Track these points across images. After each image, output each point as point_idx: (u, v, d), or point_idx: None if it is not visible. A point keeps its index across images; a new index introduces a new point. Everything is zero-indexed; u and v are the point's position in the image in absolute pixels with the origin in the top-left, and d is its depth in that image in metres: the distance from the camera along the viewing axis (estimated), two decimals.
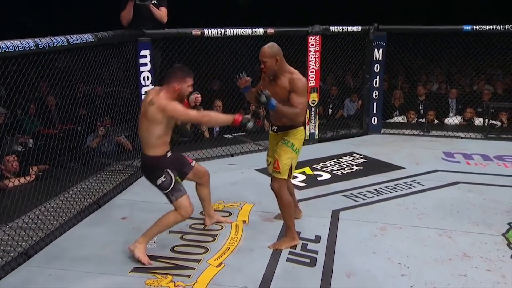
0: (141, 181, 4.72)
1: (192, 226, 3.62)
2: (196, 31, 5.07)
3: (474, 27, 6.07)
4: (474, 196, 4.27)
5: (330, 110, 7.37)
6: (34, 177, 4.35)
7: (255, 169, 4.98)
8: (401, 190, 4.41)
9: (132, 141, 5.16)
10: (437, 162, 5.26)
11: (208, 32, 5.13)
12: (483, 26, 6.05)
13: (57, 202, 3.91)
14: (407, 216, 3.83)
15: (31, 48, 3.03)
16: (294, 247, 3.30)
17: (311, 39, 5.83)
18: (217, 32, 5.18)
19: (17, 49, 2.89)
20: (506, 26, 5.99)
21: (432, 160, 5.31)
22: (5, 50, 2.79)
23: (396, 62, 7.11)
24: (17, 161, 4.30)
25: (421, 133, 6.50)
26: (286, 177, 3.29)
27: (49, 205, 3.83)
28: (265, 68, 3.19)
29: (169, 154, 3.14)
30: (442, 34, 6.52)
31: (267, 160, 3.54)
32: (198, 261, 3.12)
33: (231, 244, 3.37)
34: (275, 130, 3.39)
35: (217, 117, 3.22)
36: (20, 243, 3.22)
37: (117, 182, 4.49)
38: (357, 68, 6.78)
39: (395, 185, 4.54)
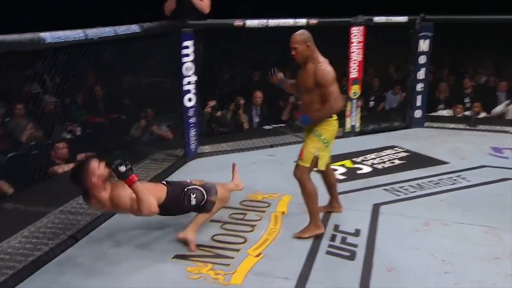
0: (183, 169, 4.82)
1: (231, 216, 3.66)
2: (238, 22, 5.08)
3: None
4: None
5: (372, 103, 7.23)
6: None
7: (295, 161, 4.95)
8: (445, 185, 4.29)
9: (174, 130, 5.24)
10: (484, 158, 5.06)
11: (250, 23, 5.12)
12: None
13: None
14: (452, 212, 3.72)
15: (81, 39, 3.13)
16: (320, 235, 3.28)
17: (354, 30, 5.72)
18: (259, 23, 5.17)
19: (68, 40, 2.99)
20: None
21: (478, 155, 5.12)
22: (56, 41, 2.90)
23: (442, 54, 6.88)
24: (66, 148, 4.47)
25: (467, 127, 6.28)
26: (308, 165, 3.28)
27: None
28: (296, 54, 3.19)
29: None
30: (494, 24, 6.25)
31: None
32: (237, 250, 3.15)
33: (270, 235, 3.38)
34: None
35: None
36: (69, 227, 3.35)
37: (160, 171, 4.58)
38: (401, 59, 6.61)
39: (439, 180, 4.41)
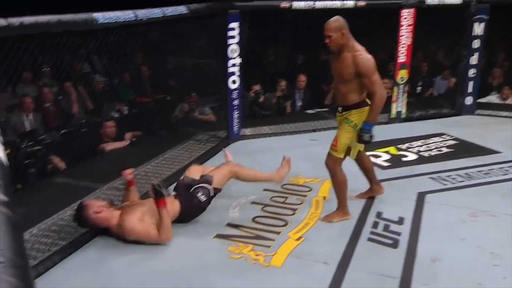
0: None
1: (273, 198, 3.68)
2: (284, 4, 5.02)
3: None
4: None
5: (419, 88, 6.99)
6: (128, 142, 4.64)
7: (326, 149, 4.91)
8: (496, 175, 4.13)
9: (217, 112, 5.28)
10: None
11: (297, 4, 5.05)
12: None
13: (148, 167, 4.15)
14: (502, 204, 3.58)
15: (131, 19, 3.19)
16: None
17: (404, 12, 5.53)
18: (306, 5, 5.09)
19: (118, 20, 3.05)
20: None
21: None
22: (108, 21, 2.97)
23: (498, 37, 6.53)
24: (114, 127, 4.60)
25: None
26: (341, 156, 3.25)
27: (141, 170, 4.07)
28: (330, 42, 3.09)
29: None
30: None
31: None
32: (278, 233, 3.17)
33: (311, 219, 3.38)
34: (340, 110, 3.28)
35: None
36: (116, 203, 3.46)
37: (202, 152, 4.65)
38: (451, 43, 6.35)
39: (489, 170, 4.25)
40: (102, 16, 2.93)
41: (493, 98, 6.57)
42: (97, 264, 2.84)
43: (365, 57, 3.09)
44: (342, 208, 3.34)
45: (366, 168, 3.58)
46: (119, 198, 3.53)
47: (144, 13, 3.33)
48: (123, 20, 3.09)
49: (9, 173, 0.66)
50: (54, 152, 3.99)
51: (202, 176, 3.38)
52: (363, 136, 3.15)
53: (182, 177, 3.46)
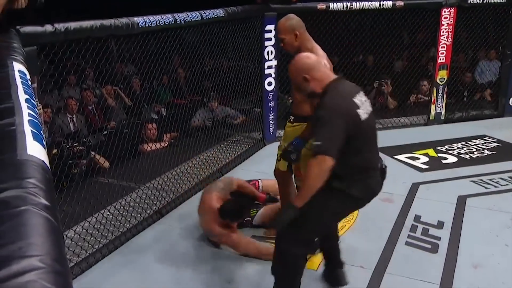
0: (261, 152, 4.85)
1: None
2: (321, 5, 4.97)
3: None
4: None
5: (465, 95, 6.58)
6: (167, 143, 4.70)
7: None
8: None
9: (247, 114, 5.24)
10: None
11: (334, 5, 4.99)
12: None
13: (186, 167, 4.19)
14: None
15: (170, 23, 3.22)
16: None
17: (444, 11, 5.36)
18: (343, 6, 5.01)
19: (158, 24, 3.10)
20: None
21: None
22: (148, 25, 3.01)
23: None
24: (155, 129, 4.68)
25: None
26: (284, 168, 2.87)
27: (179, 170, 4.12)
28: (284, 46, 2.67)
29: None
30: None
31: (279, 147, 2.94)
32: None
33: (347, 222, 3.31)
34: (291, 119, 2.83)
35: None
36: (155, 202, 3.53)
37: (239, 153, 4.66)
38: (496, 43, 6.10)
39: None
40: (142, 20, 2.98)
41: None
42: (134, 262, 2.89)
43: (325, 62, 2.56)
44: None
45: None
46: (158, 198, 3.58)
47: (182, 17, 3.37)
48: (162, 23, 3.13)
49: (51, 178, 0.67)
50: (98, 152, 4.09)
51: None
52: (291, 154, 2.53)
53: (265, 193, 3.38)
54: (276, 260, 2.27)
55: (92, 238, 2.97)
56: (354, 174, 2.14)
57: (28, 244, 0.48)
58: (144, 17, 3.02)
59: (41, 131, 0.90)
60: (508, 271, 2.71)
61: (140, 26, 2.94)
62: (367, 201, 2.28)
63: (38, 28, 2.31)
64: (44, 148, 0.82)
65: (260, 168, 4.29)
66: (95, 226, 3.05)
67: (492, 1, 5.49)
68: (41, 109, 2.30)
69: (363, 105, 2.11)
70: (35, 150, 0.76)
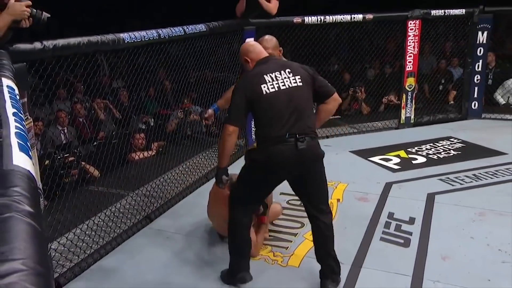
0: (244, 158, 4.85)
1: (289, 202, 3.65)
2: (297, 19, 5.02)
3: None
4: None
5: (441, 87, 6.58)
6: (155, 152, 4.67)
7: (350, 151, 4.87)
8: (503, 176, 4.02)
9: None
10: None
11: (309, 19, 5.04)
12: None
13: (173, 174, 4.16)
14: (509, 203, 3.48)
15: (155, 38, 3.22)
16: None
17: (410, 23, 5.47)
18: (317, 19, 5.07)
19: (143, 39, 3.09)
20: None
21: None
22: (134, 40, 3.00)
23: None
24: (143, 139, 4.65)
25: None
26: None
27: (166, 177, 4.10)
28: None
29: None
30: None
31: None
32: (295, 234, 3.14)
33: None
34: None
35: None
36: (144, 208, 3.49)
37: None
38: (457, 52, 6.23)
39: (496, 171, 4.15)
40: (128, 36, 2.97)
41: (498, 97, 6.39)
42: (125, 265, 2.85)
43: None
44: None
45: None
46: (147, 204, 3.55)
47: (166, 32, 3.36)
48: (147, 39, 3.13)
49: (36, 187, 0.67)
50: (88, 162, 4.05)
51: None
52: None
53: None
54: (228, 232, 2.58)
55: (84, 244, 2.93)
56: (262, 142, 2.35)
57: (11, 248, 0.48)
58: (130, 33, 3.01)
59: (28, 143, 0.89)
60: (474, 261, 2.75)
61: (125, 42, 2.93)
62: (279, 169, 2.34)
63: (27, 46, 2.28)
64: (30, 158, 0.81)
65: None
66: (87, 232, 3.01)
67: (453, 14, 5.63)
68: (31, 122, 2.27)
69: (274, 81, 2.32)
70: (21, 160, 0.76)
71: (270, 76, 2.32)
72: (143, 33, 3.10)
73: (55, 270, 2.61)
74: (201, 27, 3.85)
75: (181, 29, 3.55)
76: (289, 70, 2.37)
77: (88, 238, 2.99)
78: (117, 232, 3.14)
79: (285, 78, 2.34)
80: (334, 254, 2.51)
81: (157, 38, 3.24)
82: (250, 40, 2.57)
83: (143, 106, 5.37)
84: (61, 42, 2.45)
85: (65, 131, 4.94)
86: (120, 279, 2.72)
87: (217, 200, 2.93)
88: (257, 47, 2.51)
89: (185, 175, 4.17)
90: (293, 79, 2.35)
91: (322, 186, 2.45)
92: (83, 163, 4.08)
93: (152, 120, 5.48)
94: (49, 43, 2.38)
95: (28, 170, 0.73)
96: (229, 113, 2.35)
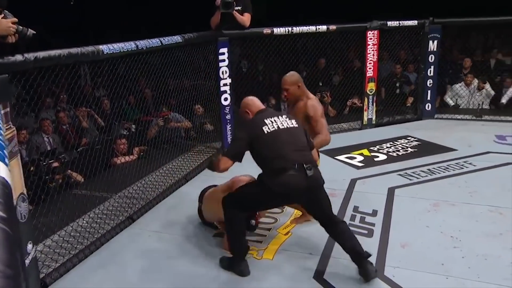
0: None
1: None
2: (266, 30, 5.04)
3: None
4: None
5: (398, 90, 6.77)
6: (136, 156, 4.60)
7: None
8: (454, 170, 4.15)
9: (214, 125, 5.24)
10: (489, 145, 4.86)
11: (277, 30, 5.08)
12: None
13: (154, 177, 4.11)
14: (459, 194, 3.59)
15: (133, 49, 3.17)
16: None
17: (369, 33, 5.58)
18: (285, 30, 5.11)
19: (121, 50, 3.04)
20: None
21: (484, 143, 4.92)
22: (113, 51, 2.95)
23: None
24: (125, 144, 4.57)
25: (474, 117, 6.04)
26: None
27: (148, 179, 4.05)
28: (288, 95, 3.08)
29: None
30: (496, 25, 5.97)
31: None
32: (269, 229, 3.14)
33: (296, 216, 3.36)
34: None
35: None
36: (126, 209, 3.44)
37: (201, 161, 4.62)
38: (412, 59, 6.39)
39: (447, 165, 4.27)
40: (107, 47, 2.92)
41: (457, 86, 6.57)
42: (109, 264, 2.80)
43: (315, 104, 3.06)
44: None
45: None
46: (129, 205, 3.50)
47: (144, 43, 3.32)
48: (125, 50, 3.08)
49: (10, 192, 0.65)
50: (72, 167, 3.95)
51: None
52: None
53: None
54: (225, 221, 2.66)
55: (69, 245, 2.86)
56: (273, 174, 2.45)
57: None
58: (108, 45, 2.95)
59: (4, 151, 0.86)
60: (429, 248, 2.82)
61: (104, 53, 2.87)
62: (294, 195, 2.52)
63: (9, 58, 2.21)
64: (6, 165, 0.79)
65: (221, 174, 4.27)
66: (71, 234, 2.94)
67: (407, 24, 5.77)
68: (15, 131, 2.20)
69: (274, 123, 2.53)
70: None
71: (269, 120, 2.55)
72: (121, 44, 3.05)
73: (41, 271, 2.54)
74: (177, 38, 3.82)
75: (158, 40, 3.51)
76: (286, 116, 2.63)
77: (73, 239, 2.92)
78: (101, 233, 3.07)
79: (283, 120, 2.57)
80: (361, 248, 2.53)
81: (135, 49, 3.19)
82: (248, 97, 2.78)
83: (124, 113, 5.27)
84: (42, 54, 2.39)
85: (50, 138, 4.81)
86: (104, 277, 2.67)
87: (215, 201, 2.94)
88: (255, 101, 2.73)
89: (165, 177, 4.12)
90: (290, 122, 2.59)
91: (329, 204, 2.61)
92: (69, 171, 3.96)
93: (133, 126, 5.39)
94: (30, 55, 2.31)
95: (3, 177, 0.71)
96: (230, 148, 2.58)
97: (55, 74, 2.66)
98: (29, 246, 2.27)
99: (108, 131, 4.77)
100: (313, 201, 2.57)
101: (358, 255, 2.51)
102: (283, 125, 2.54)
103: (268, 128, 2.50)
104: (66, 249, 2.82)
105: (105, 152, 3.88)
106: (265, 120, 2.54)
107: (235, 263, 2.63)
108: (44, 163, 3.90)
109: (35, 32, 2.20)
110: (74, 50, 2.64)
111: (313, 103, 3.06)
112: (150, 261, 2.80)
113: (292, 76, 3.10)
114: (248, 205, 2.60)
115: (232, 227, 2.62)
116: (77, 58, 2.66)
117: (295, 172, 2.40)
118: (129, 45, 3.13)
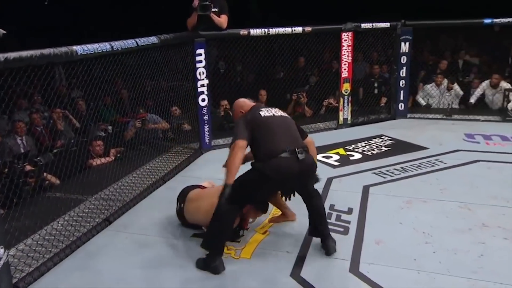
0: (198, 160, 4.80)
1: None
2: (243, 31, 5.04)
3: (494, 20, 5.69)
4: (492, 172, 4.04)
5: (376, 90, 6.81)
6: (113, 158, 4.52)
7: None
8: (425, 168, 4.24)
9: (192, 125, 5.20)
10: (458, 143, 5.00)
11: (254, 31, 5.08)
12: (503, 19, 5.67)
13: (131, 178, 4.05)
14: (431, 191, 3.68)
15: (108, 50, 3.11)
16: None
17: (344, 35, 5.65)
18: (262, 31, 5.12)
19: (96, 51, 2.97)
20: None
21: (454, 141, 5.05)
22: (87, 52, 2.89)
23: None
24: (101, 146, 4.48)
25: (444, 117, 6.20)
26: None
27: (124, 181, 3.98)
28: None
29: None
30: (464, 28, 6.15)
31: None
32: (246, 228, 3.14)
33: (275, 215, 3.36)
34: None
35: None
36: (103, 211, 3.37)
37: (179, 162, 4.58)
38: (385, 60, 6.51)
39: (419, 163, 4.37)
40: (81, 48, 2.85)
41: (428, 86, 6.72)
42: (85, 267, 2.74)
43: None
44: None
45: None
46: (106, 207, 3.43)
47: (119, 44, 3.26)
48: (100, 51, 3.01)
49: None
50: (48, 169, 3.84)
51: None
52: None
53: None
54: (213, 215, 2.63)
55: (43, 249, 2.78)
56: (265, 157, 2.52)
57: None
58: (83, 46, 2.89)
59: None
60: (402, 244, 2.88)
61: (78, 54, 2.81)
62: (287, 179, 2.56)
63: None
64: None
65: (199, 174, 4.26)
66: (46, 237, 2.87)
67: (379, 26, 5.87)
68: None
69: (267, 112, 2.71)
70: None
71: (264, 110, 2.73)
72: (96, 45, 2.98)
73: (13, 276, 2.46)
74: (153, 39, 3.77)
75: (133, 41, 3.46)
76: (277, 109, 2.80)
77: (48, 243, 2.85)
78: (77, 236, 3.00)
79: (275, 111, 2.76)
80: (325, 228, 2.81)
81: (110, 50, 3.13)
82: (239, 99, 2.94)
83: (100, 114, 5.17)
84: (12, 55, 2.31)
85: (23, 140, 4.67)
86: (80, 280, 2.61)
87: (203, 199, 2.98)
88: (247, 101, 2.89)
89: (142, 179, 4.06)
90: (282, 113, 2.79)
91: (313, 184, 2.82)
92: (45, 173, 3.86)
93: (110, 127, 5.30)
94: (0, 56, 2.23)
95: None
96: (235, 133, 2.60)
97: (27, 75, 2.58)
98: (1, 250, 2.20)
99: (84, 132, 4.67)
100: (302, 184, 2.72)
101: (326, 232, 2.80)
102: (277, 113, 2.73)
103: (264, 114, 2.67)
104: (40, 253, 2.75)
105: (80, 154, 3.79)
106: (261, 109, 2.72)
107: (210, 260, 2.61)
108: (18, 166, 3.78)
109: (5, 32, 2.14)
110: (46, 51, 2.56)
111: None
112: (126, 264, 2.76)
113: (233, 108, 3.01)
114: (243, 195, 2.56)
115: (220, 222, 2.60)
116: (50, 59, 2.59)
117: (287, 155, 2.49)
118: (104, 46, 3.07)
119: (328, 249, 2.75)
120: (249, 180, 2.56)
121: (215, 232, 2.66)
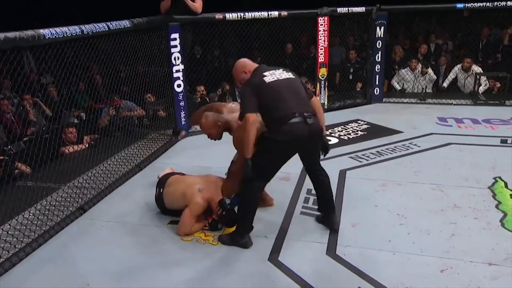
0: (175, 147, 4.72)
1: None
2: (219, 15, 4.93)
3: (466, 4, 5.77)
4: (464, 155, 4.14)
5: (351, 76, 6.83)
6: (87, 145, 4.39)
7: None
8: (400, 151, 4.30)
9: (168, 111, 5.10)
10: (432, 126, 5.09)
11: (229, 16, 4.98)
12: (475, 4, 5.74)
13: (106, 166, 3.95)
14: (405, 174, 3.74)
15: (77, 34, 2.98)
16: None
17: (320, 20, 5.61)
18: (237, 16, 5.02)
19: (65, 35, 2.84)
20: (495, 3, 5.67)
21: (427, 125, 5.14)
22: (55, 36, 2.75)
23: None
24: (74, 133, 4.33)
25: (418, 101, 6.29)
26: None
27: (99, 168, 3.88)
28: (214, 136, 3.00)
29: None
30: (436, 12, 6.19)
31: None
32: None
33: None
34: None
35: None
36: (77, 200, 3.28)
37: (155, 149, 4.50)
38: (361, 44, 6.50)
39: (394, 147, 4.42)
40: (49, 32, 2.72)
41: (403, 71, 6.76)
42: (59, 256, 2.67)
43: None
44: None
45: None
46: (80, 195, 3.33)
47: (89, 28, 3.13)
48: (69, 34, 2.88)
49: None
50: (19, 158, 3.69)
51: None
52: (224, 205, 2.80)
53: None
54: (241, 193, 2.69)
55: (14, 239, 2.69)
56: (275, 123, 2.51)
57: None
58: (51, 29, 2.75)
59: None
60: (378, 225, 2.92)
61: (46, 38, 2.68)
62: (298, 143, 2.58)
63: None
64: None
65: (176, 161, 4.19)
66: (17, 227, 2.76)
67: (355, 11, 5.86)
68: None
69: (273, 75, 2.61)
70: None
71: (268, 73, 2.63)
72: (64, 29, 2.85)
73: None
74: (125, 23, 3.64)
75: (105, 25, 3.32)
76: (282, 69, 2.71)
77: (19, 233, 2.75)
78: (49, 225, 2.91)
79: (280, 73, 2.66)
80: (332, 202, 2.92)
81: (80, 34, 3.00)
82: (239, 60, 2.79)
83: (72, 100, 4.99)
84: None
85: None
86: (54, 270, 2.53)
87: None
88: (248, 61, 2.77)
89: (117, 166, 3.97)
90: (287, 74, 2.68)
91: (319, 153, 2.82)
92: (16, 162, 3.70)
93: (83, 114, 5.13)
94: None
95: None
96: (245, 105, 2.53)
97: None
98: None
99: (56, 119, 4.51)
100: (310, 149, 2.72)
101: (329, 207, 2.87)
102: (281, 76, 2.63)
103: (269, 79, 2.58)
104: (11, 243, 2.65)
105: (52, 142, 3.65)
106: (265, 73, 2.62)
107: (239, 237, 2.69)
108: None
109: None
110: (11, 35, 2.43)
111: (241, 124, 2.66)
112: (101, 253, 2.70)
113: (206, 120, 2.96)
114: (263, 166, 2.57)
115: (247, 199, 2.65)
116: (15, 43, 2.46)
117: (297, 120, 2.49)
118: (74, 30, 2.94)
119: (333, 224, 2.84)
120: (265, 151, 2.56)
121: (244, 209, 2.68)
